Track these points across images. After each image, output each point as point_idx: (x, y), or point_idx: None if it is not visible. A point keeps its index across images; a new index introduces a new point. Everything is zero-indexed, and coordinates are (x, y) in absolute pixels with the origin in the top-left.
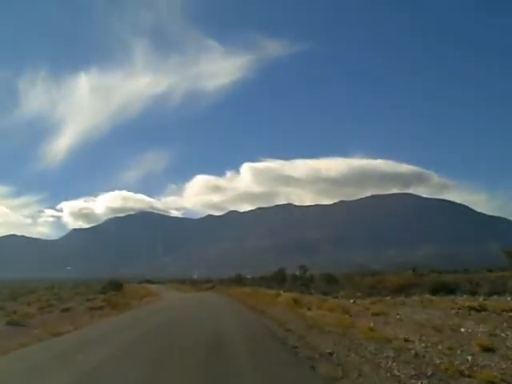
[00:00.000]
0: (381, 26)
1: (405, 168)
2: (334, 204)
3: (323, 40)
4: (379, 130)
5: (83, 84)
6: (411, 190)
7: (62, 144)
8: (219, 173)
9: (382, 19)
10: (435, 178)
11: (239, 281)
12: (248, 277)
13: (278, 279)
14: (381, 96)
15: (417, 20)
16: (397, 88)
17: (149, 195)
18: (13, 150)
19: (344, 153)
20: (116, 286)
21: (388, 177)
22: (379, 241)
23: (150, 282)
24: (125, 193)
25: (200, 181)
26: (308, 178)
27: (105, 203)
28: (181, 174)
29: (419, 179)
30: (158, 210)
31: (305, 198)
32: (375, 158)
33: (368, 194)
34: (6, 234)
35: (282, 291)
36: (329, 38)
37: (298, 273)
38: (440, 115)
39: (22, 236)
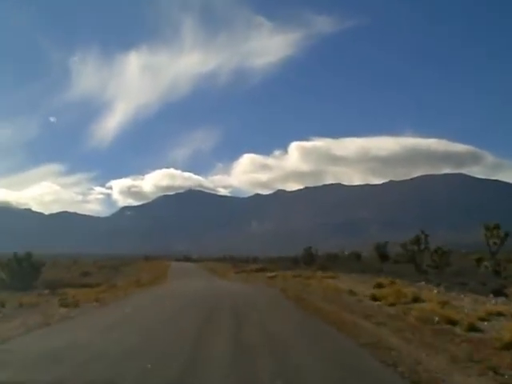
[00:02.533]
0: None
1: (458, 147)
2: (383, 184)
3: (373, 15)
4: (431, 108)
5: (133, 63)
6: (464, 171)
7: (112, 123)
8: (267, 151)
9: None
10: (490, 157)
11: (310, 261)
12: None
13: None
14: (434, 73)
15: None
16: (450, 63)
17: (197, 173)
18: (64, 128)
19: (394, 131)
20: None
21: (440, 156)
22: (430, 222)
23: (188, 259)
24: (173, 171)
25: (248, 159)
26: (357, 157)
27: (153, 181)
28: (229, 152)
29: (472, 159)
30: (206, 188)
31: (353, 177)
32: (427, 136)
33: (419, 173)
34: (58, 210)
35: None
36: (379, 13)
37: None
38: (495, 92)
39: (74, 213)
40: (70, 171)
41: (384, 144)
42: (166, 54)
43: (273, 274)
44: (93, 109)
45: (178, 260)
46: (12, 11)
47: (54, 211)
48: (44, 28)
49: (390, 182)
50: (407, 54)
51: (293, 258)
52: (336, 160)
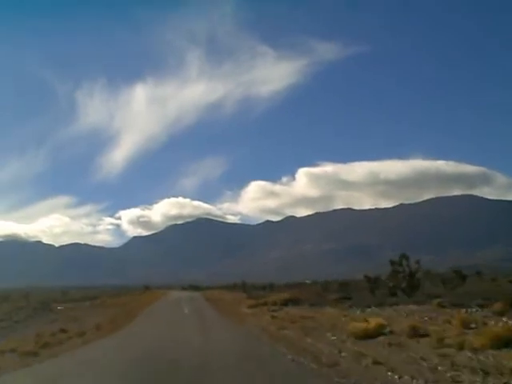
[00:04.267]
0: (440, 27)
1: (468, 168)
2: (393, 207)
3: (377, 42)
4: (439, 131)
5: (139, 94)
6: (475, 192)
7: (119, 154)
8: (275, 178)
9: (443, 19)
10: (501, 178)
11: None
12: (308, 282)
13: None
14: (440, 96)
15: (483, 23)
16: (455, 85)
17: (205, 202)
18: (72, 161)
19: (403, 155)
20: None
21: (450, 178)
22: (442, 244)
23: (195, 288)
24: (181, 200)
25: (256, 186)
26: (366, 181)
27: (162, 211)
28: (236, 180)
29: (483, 180)
30: (216, 216)
31: (363, 201)
32: (436, 159)
33: (429, 196)
34: (69, 242)
35: None
36: (383, 40)
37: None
38: (504, 111)
39: (85, 244)
40: (80, 203)
41: (393, 167)
42: (171, 84)
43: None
44: (100, 141)
45: (184, 289)
46: (17, 47)
47: (65, 243)
48: (50, 62)
49: (401, 205)
50: (412, 77)
51: (322, 283)
52: (345, 184)
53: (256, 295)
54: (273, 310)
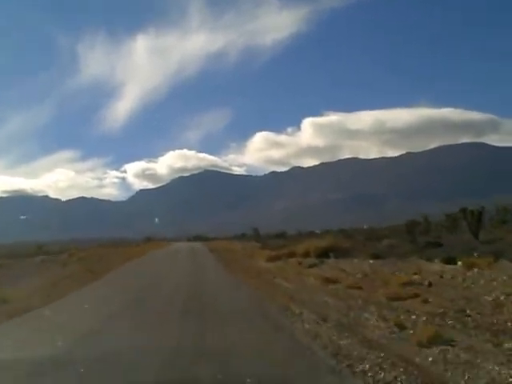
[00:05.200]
0: None
1: (475, 116)
2: (400, 156)
3: None
4: (446, 78)
5: (140, 45)
6: (483, 139)
7: (123, 106)
8: (280, 129)
9: None
10: (510, 124)
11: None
12: (317, 231)
13: None
14: (447, 41)
15: None
16: (464, 31)
17: (211, 153)
18: (75, 114)
19: (409, 103)
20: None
21: (457, 126)
22: (450, 192)
23: (199, 239)
24: (186, 152)
25: (261, 137)
26: (372, 130)
27: (167, 163)
28: (241, 131)
29: (492, 127)
30: (221, 167)
31: (370, 150)
32: (442, 106)
33: (436, 144)
34: (75, 196)
35: None
36: None
37: None
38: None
39: (92, 198)
40: (84, 157)
41: (399, 116)
42: (173, 35)
43: None
44: (103, 93)
45: (189, 240)
46: (21, 3)
47: (71, 197)
48: (50, 14)
49: (407, 153)
50: (419, 21)
51: (348, 231)
52: (351, 134)
53: (272, 245)
54: (310, 266)
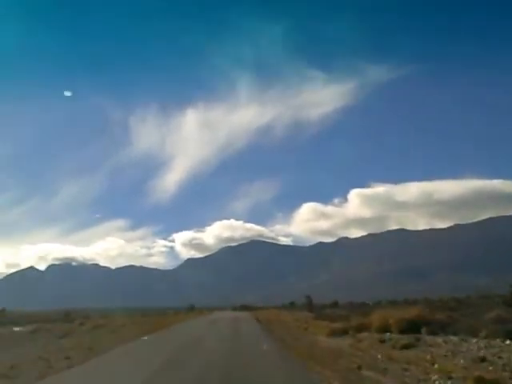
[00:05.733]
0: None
1: None
2: (449, 228)
3: (427, 62)
4: (494, 149)
5: (190, 119)
6: None
7: (171, 178)
8: (326, 200)
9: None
10: None
11: None
12: (368, 303)
13: None
14: (494, 113)
15: None
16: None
17: (257, 224)
18: (127, 185)
19: (457, 174)
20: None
21: (507, 197)
22: (500, 266)
23: (246, 308)
24: (233, 222)
25: (307, 208)
26: (420, 202)
27: (214, 233)
28: (288, 202)
29: None
30: (268, 237)
31: (418, 222)
32: (491, 178)
33: (485, 216)
34: (124, 264)
35: None
36: (431, 61)
37: None
38: None
39: (140, 266)
40: (134, 226)
41: (447, 187)
42: (221, 109)
43: None
44: (153, 165)
45: (234, 309)
46: (72, 74)
47: (121, 265)
48: (103, 89)
49: (456, 225)
50: (465, 95)
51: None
52: (398, 205)
53: (328, 315)
54: (404, 346)
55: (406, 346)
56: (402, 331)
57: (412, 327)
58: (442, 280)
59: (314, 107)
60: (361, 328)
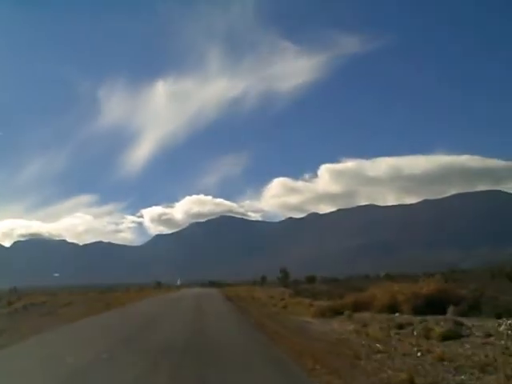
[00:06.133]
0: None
1: (493, 163)
2: (417, 203)
3: (400, 34)
4: (463, 125)
5: (160, 92)
6: (501, 187)
7: (140, 152)
8: (297, 175)
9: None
10: None
11: None
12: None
13: None
14: (464, 87)
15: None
16: (482, 75)
17: (227, 199)
18: (95, 159)
19: (426, 150)
20: None
21: (475, 173)
22: (468, 240)
23: (214, 284)
24: (203, 197)
25: (278, 183)
26: (390, 177)
27: (184, 208)
28: (258, 177)
29: (510, 174)
30: (238, 213)
31: (387, 197)
32: (460, 153)
33: (454, 191)
34: (92, 240)
35: None
36: (405, 32)
37: None
38: None
39: (109, 242)
40: (102, 201)
41: (416, 163)
42: (192, 81)
43: None
44: (122, 138)
45: (202, 286)
46: (39, 44)
47: (88, 241)
48: (71, 59)
49: (425, 201)
50: (434, 70)
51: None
52: (368, 180)
53: (307, 292)
54: (443, 336)
55: (446, 336)
56: (416, 311)
57: (430, 306)
58: (411, 255)
59: (286, 79)
60: (356, 307)
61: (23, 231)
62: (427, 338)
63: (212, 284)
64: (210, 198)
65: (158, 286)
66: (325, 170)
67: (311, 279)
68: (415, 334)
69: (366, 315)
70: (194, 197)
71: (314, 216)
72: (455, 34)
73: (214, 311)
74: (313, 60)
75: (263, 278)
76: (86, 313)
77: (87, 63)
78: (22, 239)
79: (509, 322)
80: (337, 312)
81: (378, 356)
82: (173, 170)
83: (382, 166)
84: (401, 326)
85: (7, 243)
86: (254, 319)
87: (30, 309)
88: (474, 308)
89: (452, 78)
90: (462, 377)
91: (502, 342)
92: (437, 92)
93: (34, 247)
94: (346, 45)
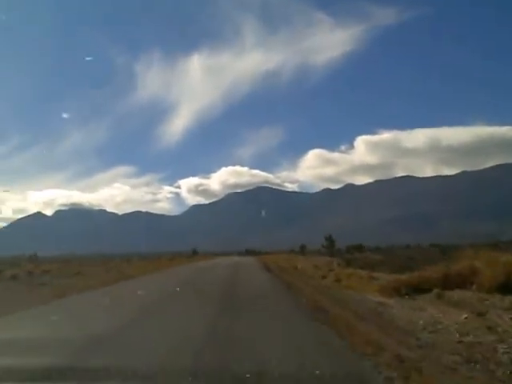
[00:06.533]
0: None
1: None
2: (456, 174)
3: (435, 4)
4: (504, 95)
5: (195, 65)
6: None
7: (177, 125)
8: (333, 147)
9: None
10: None
11: None
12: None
13: None
14: (503, 58)
15: None
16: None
17: (263, 170)
18: (133, 131)
19: (465, 121)
20: None
21: None
22: (507, 212)
23: (251, 253)
24: (239, 168)
25: (314, 155)
26: (427, 148)
27: (220, 179)
28: (294, 148)
29: None
30: (274, 184)
31: (425, 169)
32: (500, 124)
33: (494, 163)
34: (131, 210)
35: None
36: (444, 3)
37: None
38: None
39: (147, 212)
40: (140, 172)
41: (455, 134)
42: (227, 54)
43: None
44: (159, 112)
45: (239, 255)
46: (78, 20)
47: (127, 211)
48: (108, 35)
49: (463, 172)
50: (474, 40)
51: None
52: (405, 152)
53: (363, 261)
54: None
55: None
56: None
57: None
58: (448, 227)
59: (321, 52)
60: (446, 283)
61: (64, 201)
62: None
63: (249, 252)
64: (246, 169)
65: (194, 254)
66: (361, 141)
67: (359, 248)
68: None
69: (465, 295)
70: (230, 168)
71: (351, 187)
72: (490, 3)
73: (251, 281)
74: (348, 32)
75: (302, 247)
76: (105, 282)
77: (124, 39)
78: (63, 208)
79: None
80: (416, 289)
81: None
82: (209, 141)
83: (419, 137)
84: None
85: (49, 212)
86: (306, 298)
87: (21, 279)
88: None
89: (488, 50)
90: None
91: None
92: (475, 63)
93: (74, 216)
94: (380, 16)
